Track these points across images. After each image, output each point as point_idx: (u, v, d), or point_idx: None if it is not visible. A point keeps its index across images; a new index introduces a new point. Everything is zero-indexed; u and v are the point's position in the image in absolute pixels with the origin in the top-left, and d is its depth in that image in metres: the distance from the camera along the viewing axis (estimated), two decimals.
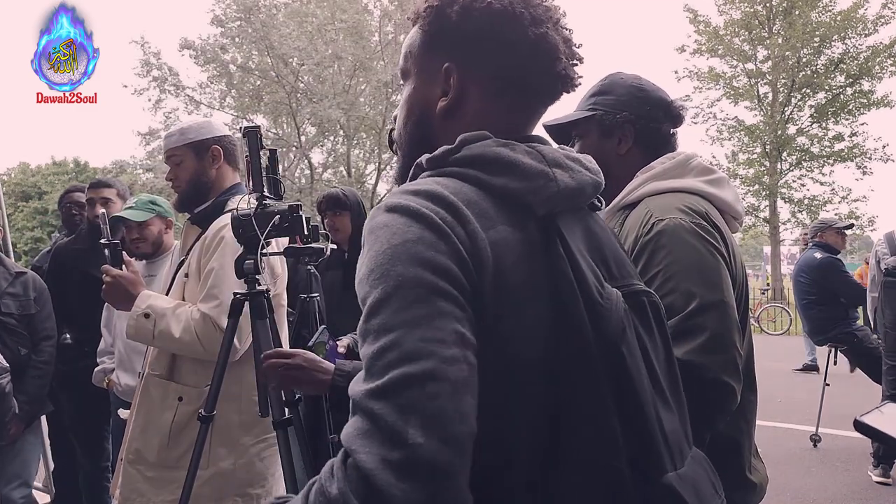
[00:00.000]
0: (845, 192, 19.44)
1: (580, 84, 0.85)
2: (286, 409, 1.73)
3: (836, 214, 18.31)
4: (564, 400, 0.68)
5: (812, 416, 5.00)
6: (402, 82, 0.90)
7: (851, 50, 18.83)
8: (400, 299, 0.62)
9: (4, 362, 2.42)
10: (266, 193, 1.71)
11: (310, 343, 1.95)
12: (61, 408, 3.07)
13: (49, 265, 3.26)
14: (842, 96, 18.96)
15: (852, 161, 19.05)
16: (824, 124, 19.35)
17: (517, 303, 0.68)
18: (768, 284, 19.15)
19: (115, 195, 3.14)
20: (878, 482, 4.12)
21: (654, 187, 1.31)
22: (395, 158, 0.95)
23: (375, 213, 0.70)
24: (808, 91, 19.20)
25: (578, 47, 0.84)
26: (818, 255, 4.82)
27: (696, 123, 20.15)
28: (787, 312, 13.77)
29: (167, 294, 1.97)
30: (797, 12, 18.95)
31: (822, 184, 19.65)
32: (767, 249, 21.28)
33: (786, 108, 19.47)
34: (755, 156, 20.07)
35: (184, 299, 1.91)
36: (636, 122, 1.36)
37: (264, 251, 1.68)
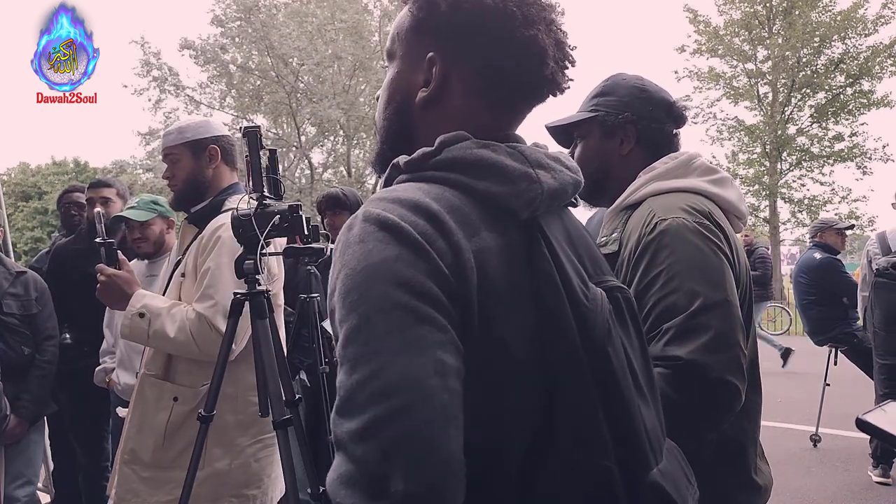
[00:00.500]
0: (845, 192, 19.45)
1: (568, 87, 0.83)
2: (286, 409, 1.72)
3: (836, 214, 18.31)
4: (554, 402, 0.68)
5: (812, 416, 5.00)
6: (386, 64, 0.89)
7: (851, 50, 18.83)
8: (377, 327, 0.60)
9: None
10: (266, 193, 1.71)
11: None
12: (61, 408, 3.07)
13: (49, 265, 3.26)
14: (842, 96, 18.96)
15: (852, 161, 19.04)
16: (824, 124, 19.34)
17: (504, 308, 0.68)
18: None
19: (115, 195, 3.14)
20: (877, 482, 4.12)
21: (656, 187, 1.31)
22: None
23: (352, 222, 0.68)
24: (808, 91, 19.19)
25: (572, 49, 0.82)
26: (818, 255, 4.82)
27: (696, 123, 20.14)
28: (787, 312, 13.77)
29: (164, 294, 1.96)
30: (797, 12, 18.95)
31: (822, 184, 19.66)
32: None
33: (786, 108, 19.47)
34: (755, 156, 20.06)
35: (180, 299, 1.90)
36: (638, 122, 1.36)
37: (264, 251, 1.68)
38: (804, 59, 19.07)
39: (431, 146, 0.75)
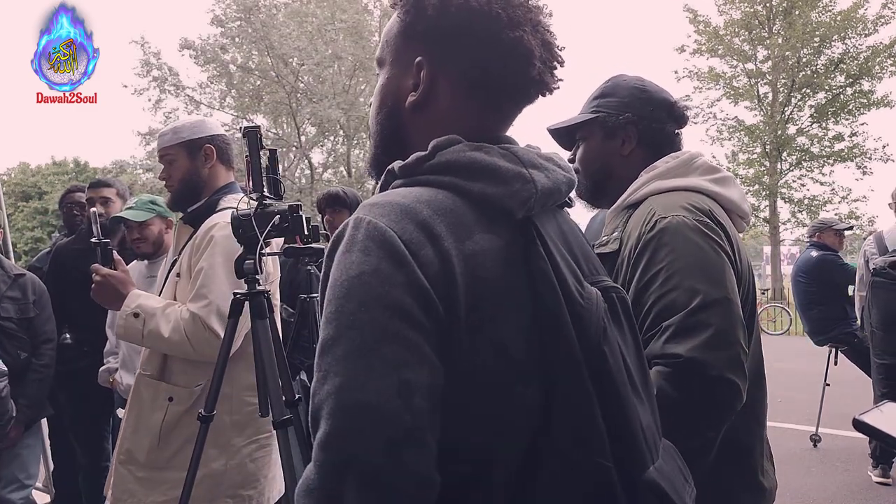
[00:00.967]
0: (845, 192, 19.46)
1: (558, 87, 0.84)
2: (286, 409, 1.72)
3: (836, 214, 18.33)
4: (551, 401, 0.68)
5: (812, 416, 5.00)
6: (377, 71, 0.90)
7: (851, 50, 18.84)
8: (347, 343, 0.62)
9: (2, 366, 2.42)
10: (266, 193, 1.71)
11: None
12: (61, 408, 3.07)
13: (49, 265, 3.26)
14: (842, 96, 18.97)
15: (852, 161, 19.06)
16: (824, 124, 19.35)
17: (500, 309, 0.68)
18: (768, 284, 19.16)
19: (115, 195, 3.15)
20: (877, 482, 4.12)
21: (657, 186, 1.31)
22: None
23: (343, 228, 0.69)
24: (808, 91, 19.20)
25: (560, 50, 0.83)
26: (814, 253, 4.83)
27: (696, 123, 20.15)
28: (787, 312, 13.78)
29: (160, 294, 1.96)
30: (797, 12, 18.96)
31: (822, 184, 19.67)
32: (767, 249, 21.28)
33: (786, 108, 19.48)
34: (755, 156, 20.08)
35: (176, 299, 1.89)
36: (639, 122, 1.36)
37: (264, 251, 1.68)
38: (804, 59, 19.08)
39: (424, 150, 0.76)
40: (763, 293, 17.08)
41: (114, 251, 1.93)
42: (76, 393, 3.06)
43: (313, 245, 1.82)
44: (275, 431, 1.88)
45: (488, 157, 0.74)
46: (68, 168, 33.14)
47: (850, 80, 18.74)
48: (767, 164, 19.65)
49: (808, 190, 19.80)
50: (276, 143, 19.82)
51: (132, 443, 1.85)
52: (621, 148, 1.38)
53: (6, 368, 2.44)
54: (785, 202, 19.85)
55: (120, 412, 2.40)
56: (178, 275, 1.91)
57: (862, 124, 19.15)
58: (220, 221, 1.85)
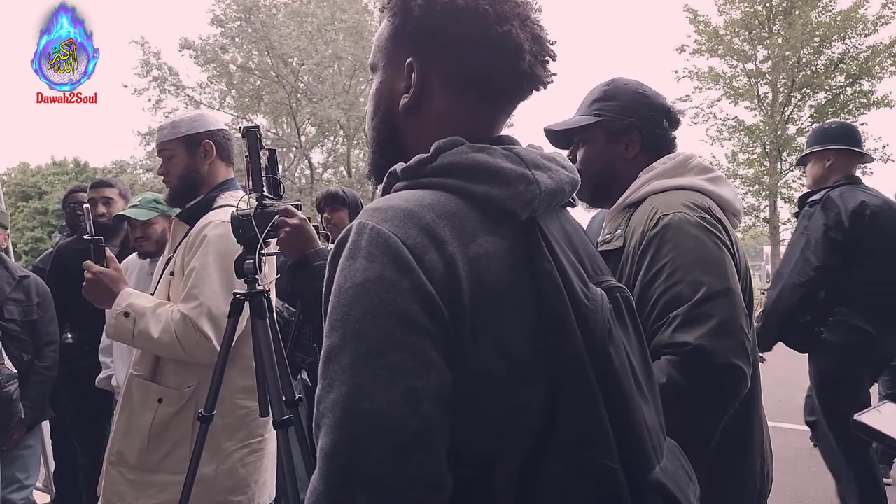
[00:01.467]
0: None
1: (552, 81, 0.83)
2: (286, 409, 1.72)
3: None
4: (557, 403, 0.68)
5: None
6: (371, 77, 0.90)
7: (851, 50, 18.83)
8: (353, 351, 0.62)
9: (13, 369, 2.42)
10: (266, 193, 1.71)
11: None
12: (62, 407, 3.07)
13: (51, 265, 3.27)
14: (842, 96, 18.96)
15: None
16: None
17: (505, 312, 0.68)
18: (769, 281, 19.14)
19: (117, 195, 3.15)
20: None
21: (657, 185, 1.35)
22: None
23: (346, 233, 0.69)
24: (808, 91, 19.19)
25: (552, 44, 0.83)
26: None
27: (696, 123, 20.16)
28: None
29: (154, 292, 1.93)
30: (797, 12, 18.95)
31: None
32: (767, 249, 21.28)
33: (786, 108, 19.47)
34: (755, 156, 20.07)
35: (169, 298, 1.86)
36: (643, 128, 1.41)
37: (263, 251, 1.68)
38: (804, 59, 19.07)
39: (422, 151, 0.76)
40: (763, 293, 17.07)
41: (106, 248, 1.90)
42: (77, 393, 3.06)
43: None
44: (266, 437, 1.88)
45: (491, 159, 0.74)
46: (68, 168, 33.15)
47: (850, 80, 18.73)
48: (767, 164, 19.65)
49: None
50: (276, 143, 19.83)
51: (123, 444, 1.82)
52: (625, 152, 1.42)
53: (16, 371, 2.44)
54: (785, 202, 19.84)
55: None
56: (172, 273, 1.88)
57: (862, 124, 19.13)
58: (213, 220, 1.82)
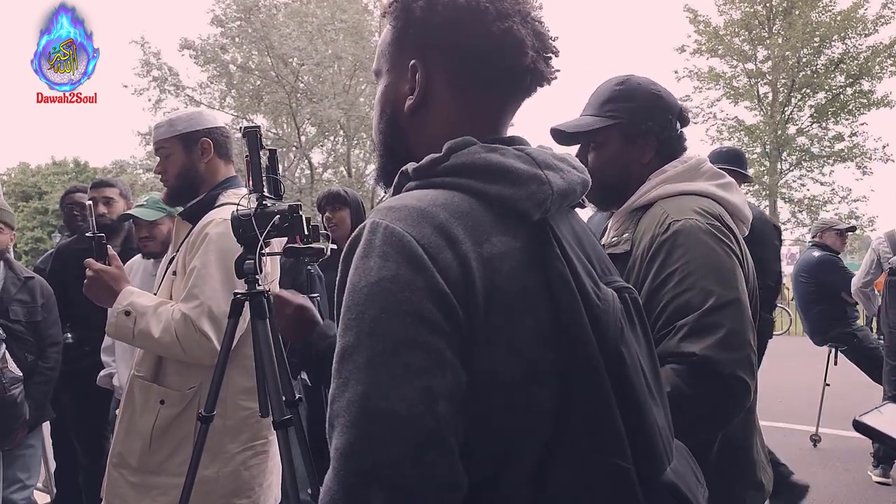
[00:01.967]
0: (845, 192, 19.45)
1: (555, 78, 0.84)
2: (286, 409, 1.72)
3: (836, 214, 18.34)
4: (570, 404, 0.68)
5: (812, 416, 5.00)
6: (375, 82, 0.90)
7: (851, 50, 18.83)
8: (368, 351, 0.62)
9: (18, 372, 2.42)
10: (266, 193, 1.71)
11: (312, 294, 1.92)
12: (63, 407, 3.07)
13: (52, 265, 3.28)
14: (842, 96, 18.96)
15: (852, 161, 19.04)
16: (824, 124, 19.34)
17: (517, 312, 0.68)
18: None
19: (118, 195, 3.16)
20: (878, 482, 4.13)
21: (667, 190, 1.33)
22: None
23: (359, 232, 0.69)
24: (808, 91, 19.19)
25: (553, 40, 0.83)
26: (816, 253, 4.84)
27: (696, 123, 20.15)
28: (787, 312, 13.76)
29: (156, 291, 1.92)
30: (797, 12, 18.94)
31: (822, 184, 19.66)
32: None
33: (786, 108, 19.47)
34: (755, 156, 20.05)
35: (171, 297, 1.85)
36: (659, 133, 1.37)
37: (264, 251, 1.68)
38: (804, 59, 19.06)
39: (428, 152, 0.76)
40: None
41: (108, 246, 1.88)
42: (78, 393, 3.06)
43: (313, 245, 1.81)
44: (270, 438, 1.87)
45: (504, 159, 0.74)
46: (68, 168, 33.15)
47: (850, 80, 18.73)
48: (767, 164, 19.64)
49: (808, 190, 19.80)
50: (276, 143, 19.82)
51: (124, 446, 1.81)
52: (640, 156, 1.39)
53: (21, 374, 2.45)
54: (785, 202, 19.84)
55: (119, 411, 2.40)
56: (174, 273, 1.87)
57: (862, 124, 19.14)
58: (215, 218, 1.81)
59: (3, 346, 2.51)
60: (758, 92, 19.83)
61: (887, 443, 1.29)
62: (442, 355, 0.63)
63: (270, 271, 1.97)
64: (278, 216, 1.67)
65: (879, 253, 4.26)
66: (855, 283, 4.49)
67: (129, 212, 2.77)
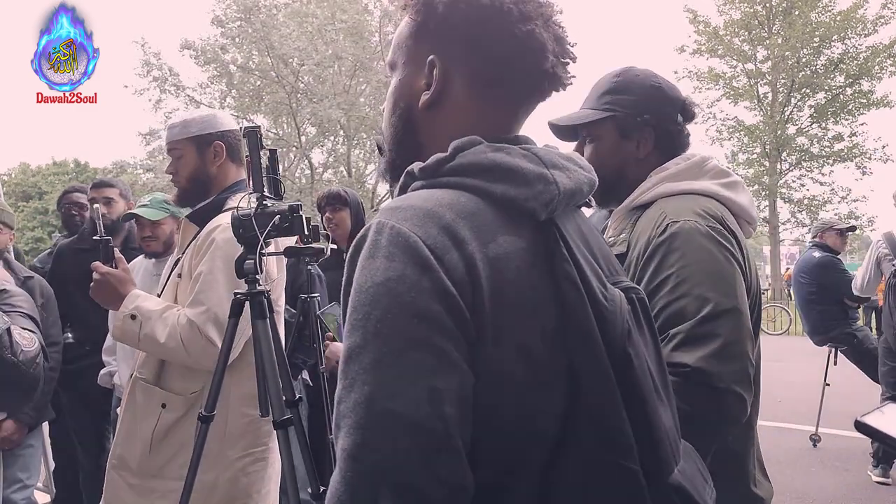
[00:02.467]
0: (845, 192, 19.48)
1: (571, 83, 0.83)
2: (286, 409, 1.72)
3: (835, 214, 18.36)
4: (577, 405, 0.68)
5: (812, 416, 5.00)
6: (388, 74, 0.89)
7: (851, 50, 18.87)
8: (375, 351, 0.61)
9: (30, 347, 2.39)
10: (266, 193, 1.70)
11: (320, 311, 1.90)
12: (62, 407, 3.07)
13: (52, 265, 3.27)
14: (841, 96, 18.99)
15: (852, 161, 19.08)
16: (824, 124, 19.37)
17: (524, 313, 0.67)
18: (769, 284, 19.17)
19: (118, 195, 3.16)
20: (877, 482, 4.13)
21: (668, 188, 1.27)
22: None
23: (365, 233, 0.68)
24: (808, 91, 19.22)
25: (572, 46, 0.82)
26: (817, 254, 4.84)
27: (695, 123, 20.05)
28: (787, 312, 13.78)
29: (161, 293, 1.92)
30: (797, 12, 18.97)
31: (821, 184, 19.70)
32: (767, 249, 21.29)
33: (785, 108, 19.50)
34: (755, 156, 20.09)
35: (176, 300, 1.84)
36: (657, 126, 1.31)
37: (264, 251, 1.68)
38: (804, 59, 19.09)
39: (439, 149, 0.75)
40: (763, 293, 17.07)
41: (115, 249, 1.88)
42: (78, 392, 3.06)
43: (313, 245, 1.81)
44: (271, 445, 1.85)
45: (510, 158, 0.73)
46: (68, 168, 33.16)
47: (850, 80, 18.75)
48: (767, 164, 19.67)
49: (807, 190, 19.85)
50: (277, 143, 19.83)
51: (124, 448, 1.80)
52: (637, 150, 1.32)
53: (37, 346, 2.43)
54: (785, 202, 19.88)
55: (119, 411, 2.40)
56: (180, 275, 1.86)
57: (861, 124, 19.20)
58: (222, 223, 1.80)
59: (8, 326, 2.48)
60: (757, 92, 19.85)
61: (889, 443, 1.28)
62: (448, 356, 0.62)
63: (278, 277, 1.95)
64: (278, 216, 1.67)
65: (880, 255, 4.26)
66: (856, 285, 4.49)
67: (132, 210, 2.77)
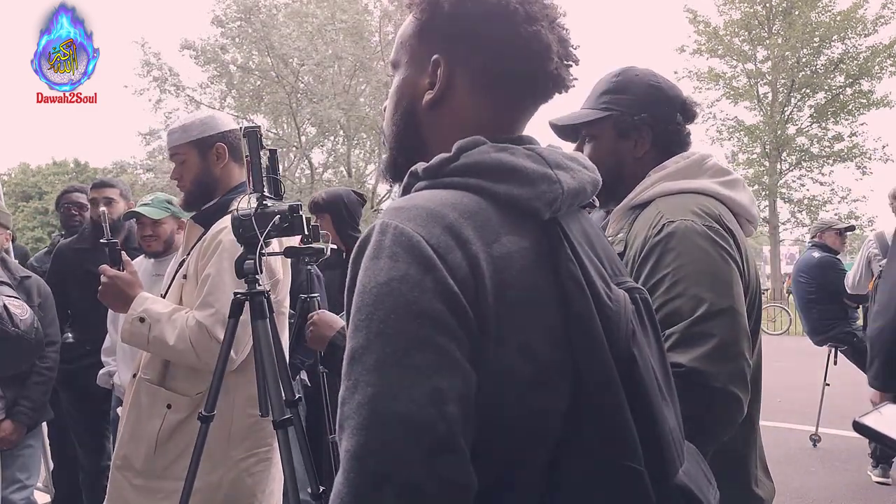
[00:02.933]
0: (845, 192, 19.49)
1: (574, 86, 0.83)
2: (286, 409, 1.72)
3: (835, 214, 18.36)
4: (581, 405, 0.68)
5: (812, 416, 5.00)
6: (391, 73, 0.89)
7: (851, 50, 18.87)
8: (378, 352, 0.61)
9: (24, 315, 2.38)
10: (266, 193, 1.71)
11: (305, 296, 1.93)
12: (62, 407, 3.07)
13: (51, 265, 3.27)
14: (841, 96, 19.00)
15: (852, 161, 19.09)
16: (824, 124, 19.38)
17: (528, 313, 0.67)
18: (768, 281, 19.18)
19: (118, 195, 3.16)
20: (877, 482, 4.13)
21: (666, 187, 1.27)
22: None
23: (369, 233, 0.68)
24: (808, 91, 19.23)
25: (575, 48, 0.82)
26: (816, 254, 4.84)
27: (695, 123, 20.12)
28: (787, 312, 13.78)
29: (165, 294, 1.92)
30: (797, 12, 18.98)
31: (821, 184, 19.71)
32: (767, 249, 21.29)
33: (785, 108, 19.50)
34: (755, 156, 20.10)
35: (181, 301, 1.85)
36: (655, 125, 1.31)
37: (264, 251, 1.68)
38: (804, 59, 19.10)
39: (441, 149, 0.75)
40: (763, 293, 17.08)
41: (122, 251, 1.89)
42: (77, 392, 3.06)
43: (313, 245, 1.81)
44: (274, 445, 1.85)
45: (514, 158, 0.73)
46: (68, 168, 33.16)
47: (850, 80, 18.76)
48: (767, 164, 19.67)
49: (807, 190, 19.85)
50: (277, 143, 19.83)
51: (129, 449, 1.81)
52: (634, 149, 1.32)
53: (30, 312, 2.43)
54: (785, 202, 19.88)
55: (119, 410, 2.40)
56: (185, 276, 1.87)
57: (861, 124, 19.20)
58: (228, 225, 1.79)
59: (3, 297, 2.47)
60: (757, 92, 19.86)
61: (887, 443, 1.28)
62: (452, 356, 0.62)
63: (282, 278, 1.95)
64: (278, 216, 1.67)
65: (870, 256, 4.26)
66: (847, 283, 4.49)
67: (134, 209, 2.78)
